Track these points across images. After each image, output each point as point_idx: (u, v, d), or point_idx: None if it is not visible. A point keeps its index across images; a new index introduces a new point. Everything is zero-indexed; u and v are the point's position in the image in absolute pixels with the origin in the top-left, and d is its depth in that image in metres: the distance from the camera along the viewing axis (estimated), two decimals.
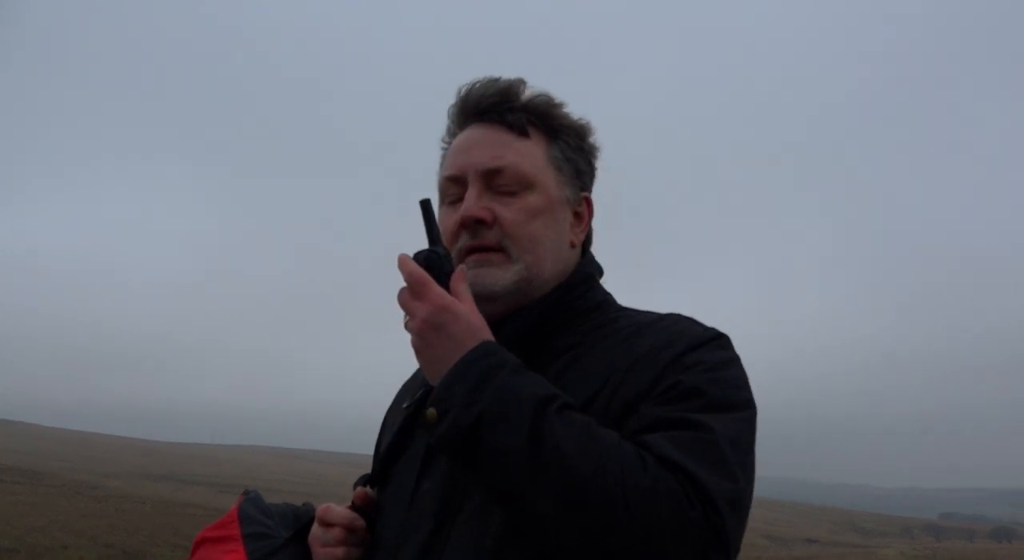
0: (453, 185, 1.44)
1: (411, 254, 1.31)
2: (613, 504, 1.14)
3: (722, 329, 1.38)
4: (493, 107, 1.46)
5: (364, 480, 1.48)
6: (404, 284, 1.28)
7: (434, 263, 1.30)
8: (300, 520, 1.49)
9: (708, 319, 1.40)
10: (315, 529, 1.42)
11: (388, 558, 1.36)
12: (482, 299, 1.35)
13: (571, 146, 1.48)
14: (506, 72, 1.45)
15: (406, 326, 1.29)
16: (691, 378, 1.28)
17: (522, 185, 1.42)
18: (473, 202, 1.40)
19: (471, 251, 1.40)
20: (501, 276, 1.39)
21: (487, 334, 1.27)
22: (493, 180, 1.42)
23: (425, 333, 1.25)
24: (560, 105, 1.48)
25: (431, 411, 1.21)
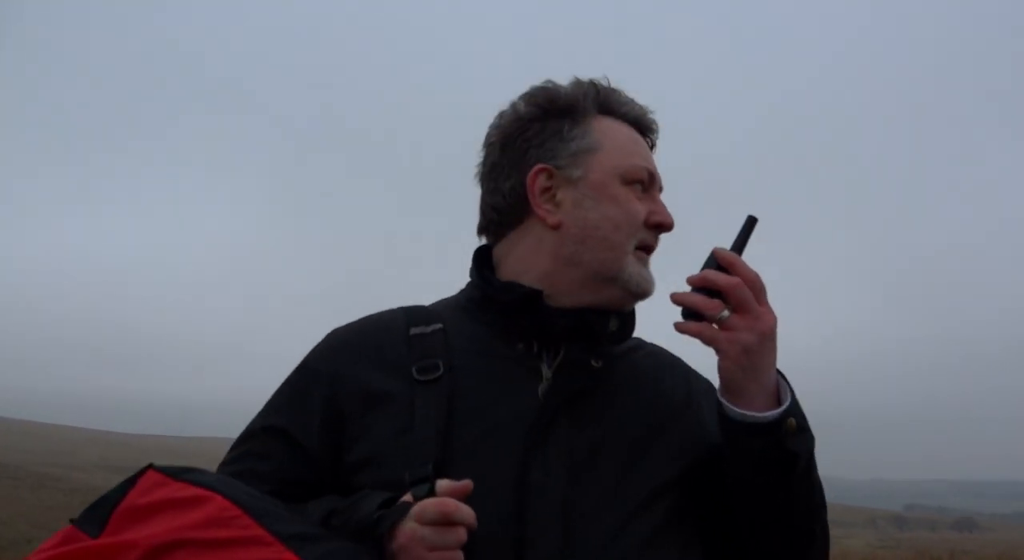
0: (647, 177, 1.44)
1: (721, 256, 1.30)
2: (828, 537, 1.43)
3: None
4: (651, 129, 1.51)
5: (430, 463, 1.22)
6: (709, 276, 1.26)
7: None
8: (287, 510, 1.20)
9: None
10: (422, 530, 1.13)
11: (507, 557, 1.22)
12: (641, 295, 1.41)
13: None
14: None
15: (732, 324, 1.24)
16: None
17: None
18: (670, 213, 1.46)
19: (647, 250, 1.43)
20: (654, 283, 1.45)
21: None
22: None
23: (768, 339, 1.25)
24: None
25: (792, 420, 1.24)
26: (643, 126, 1.50)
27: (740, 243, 1.31)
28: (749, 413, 1.24)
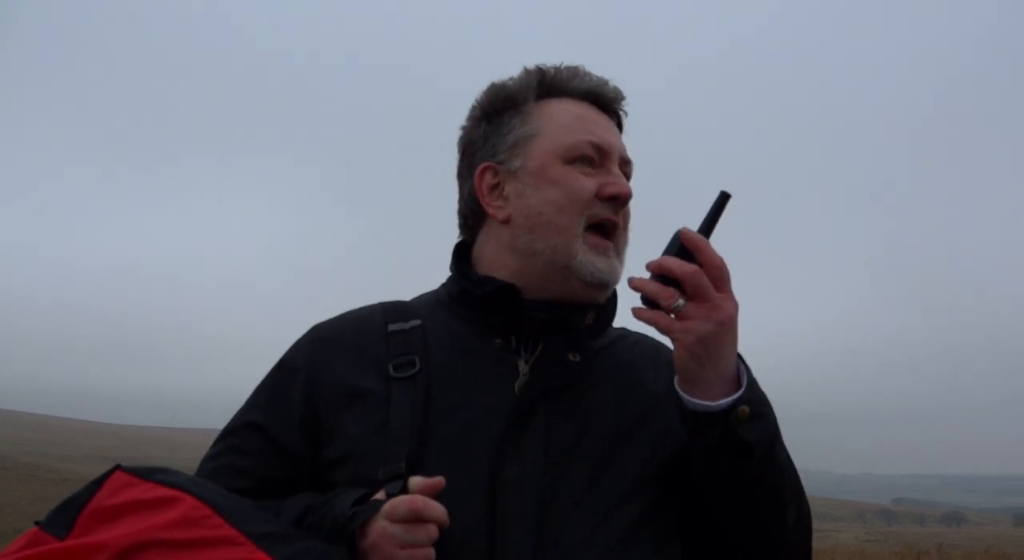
0: (595, 152, 1.38)
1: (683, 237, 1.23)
2: (809, 527, 1.39)
3: None
4: (613, 102, 1.46)
5: (403, 461, 1.24)
6: (667, 262, 1.21)
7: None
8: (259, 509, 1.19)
9: None
10: (393, 527, 1.13)
11: (481, 553, 1.21)
12: (599, 285, 1.36)
13: None
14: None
15: (687, 313, 1.19)
16: None
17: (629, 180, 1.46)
18: (625, 181, 1.40)
19: (602, 229, 1.37)
20: (617, 269, 1.39)
21: None
22: (623, 168, 1.42)
23: (725, 328, 1.20)
24: None
25: (745, 408, 1.20)
26: (598, 98, 1.45)
27: (710, 221, 1.25)
28: (700, 402, 1.21)
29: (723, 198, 1.25)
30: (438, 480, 1.16)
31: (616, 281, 1.38)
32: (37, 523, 1.14)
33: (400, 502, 1.13)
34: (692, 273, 1.18)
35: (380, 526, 1.13)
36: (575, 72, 1.45)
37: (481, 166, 1.42)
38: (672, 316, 1.21)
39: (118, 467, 1.19)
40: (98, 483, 1.16)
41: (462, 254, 1.48)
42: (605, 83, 1.46)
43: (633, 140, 1.48)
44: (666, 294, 1.20)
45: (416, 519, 1.12)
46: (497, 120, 1.44)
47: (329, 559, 1.12)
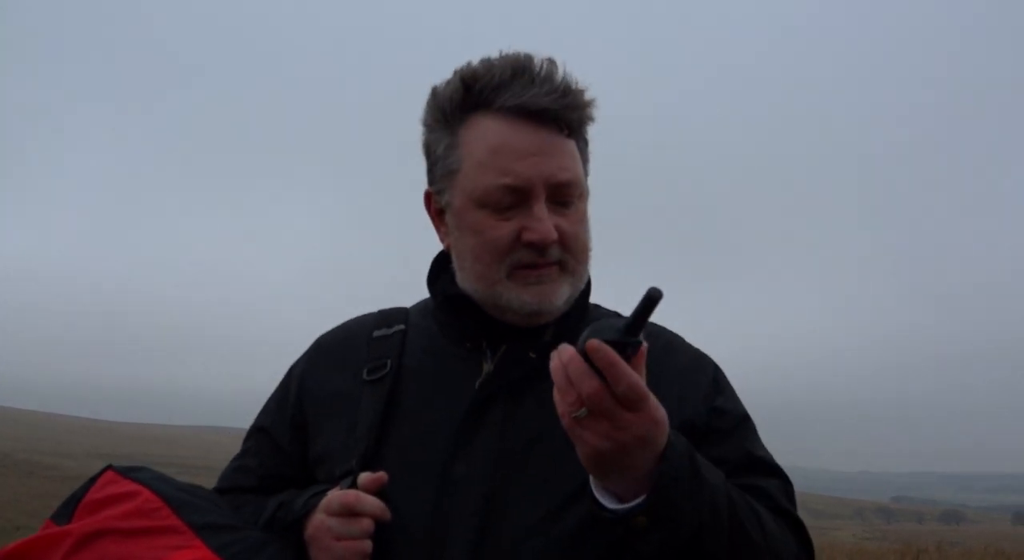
0: (509, 194, 1.26)
1: (601, 331, 1.03)
2: None
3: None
4: (556, 117, 1.27)
5: (358, 458, 1.29)
6: (573, 367, 1.04)
7: (624, 355, 1.03)
8: (219, 504, 1.31)
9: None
10: (329, 520, 1.21)
11: (423, 549, 1.22)
12: (532, 315, 1.30)
13: (585, 137, 1.35)
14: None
15: (587, 426, 1.05)
16: (739, 407, 1.40)
17: (577, 194, 1.31)
18: (547, 223, 1.26)
19: (528, 267, 1.28)
20: (559, 292, 1.30)
21: (667, 425, 1.10)
22: (556, 192, 1.28)
23: (631, 447, 1.06)
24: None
25: (642, 519, 1.08)
26: (533, 113, 1.26)
27: (636, 322, 1.03)
28: (599, 500, 1.12)
29: (650, 300, 1.01)
30: (379, 475, 1.22)
31: (554, 307, 1.30)
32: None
33: (335, 496, 1.21)
34: (591, 395, 1.02)
35: (318, 519, 1.23)
36: (511, 77, 1.27)
37: (425, 190, 1.40)
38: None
39: (109, 466, 1.34)
40: (93, 480, 1.31)
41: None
42: (545, 93, 1.26)
43: (609, 134, 1.37)
44: (567, 399, 1.05)
45: (348, 512, 1.20)
46: (433, 138, 1.35)
47: (263, 548, 1.21)
